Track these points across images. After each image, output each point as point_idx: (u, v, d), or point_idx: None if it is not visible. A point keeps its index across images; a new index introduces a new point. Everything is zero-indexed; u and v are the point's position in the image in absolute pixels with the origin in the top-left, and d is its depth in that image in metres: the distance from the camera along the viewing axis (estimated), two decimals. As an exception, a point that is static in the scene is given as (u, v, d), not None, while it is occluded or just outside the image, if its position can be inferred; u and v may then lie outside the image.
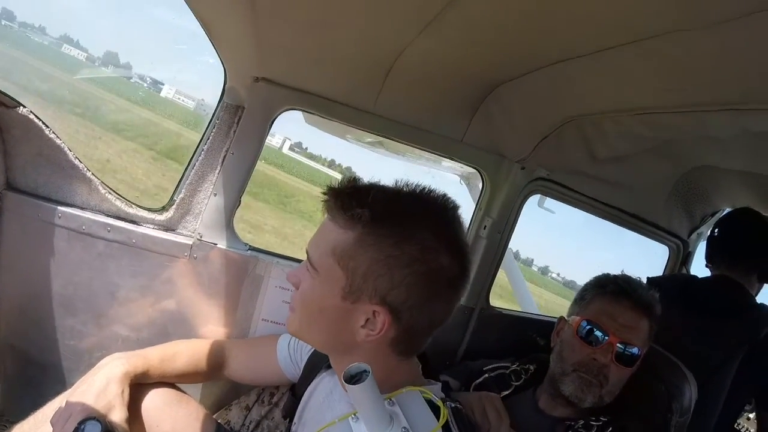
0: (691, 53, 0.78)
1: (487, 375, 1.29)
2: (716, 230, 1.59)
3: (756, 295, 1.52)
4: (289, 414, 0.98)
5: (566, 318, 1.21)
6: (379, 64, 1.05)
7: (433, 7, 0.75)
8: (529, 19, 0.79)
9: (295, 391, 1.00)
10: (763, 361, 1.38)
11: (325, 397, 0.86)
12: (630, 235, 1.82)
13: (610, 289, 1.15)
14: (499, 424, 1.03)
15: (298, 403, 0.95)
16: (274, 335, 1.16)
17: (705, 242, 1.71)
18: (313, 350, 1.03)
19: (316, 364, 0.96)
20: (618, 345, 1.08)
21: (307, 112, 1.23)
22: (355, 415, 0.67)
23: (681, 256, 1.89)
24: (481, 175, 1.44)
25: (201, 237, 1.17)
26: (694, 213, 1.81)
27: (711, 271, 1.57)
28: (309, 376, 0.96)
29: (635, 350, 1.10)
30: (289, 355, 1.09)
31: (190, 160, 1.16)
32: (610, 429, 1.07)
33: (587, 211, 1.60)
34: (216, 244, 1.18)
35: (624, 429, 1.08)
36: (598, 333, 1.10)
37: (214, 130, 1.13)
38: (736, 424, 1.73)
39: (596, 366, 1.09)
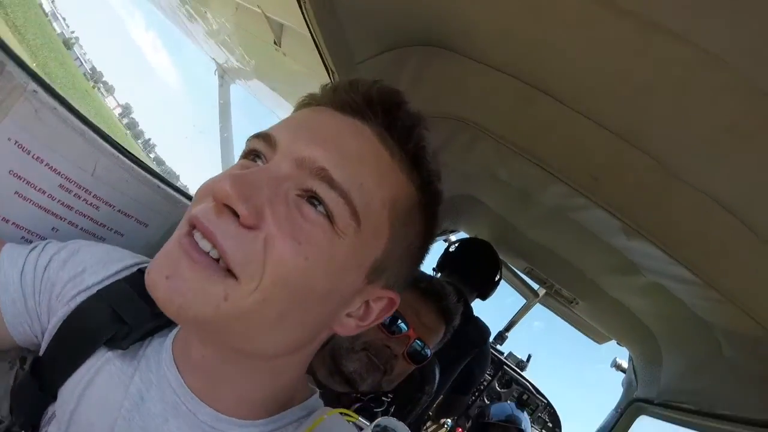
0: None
1: None
2: (453, 247, 1.89)
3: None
4: (31, 419, 0.51)
5: None
6: None
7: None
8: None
9: (44, 372, 0.51)
10: (479, 362, 1.76)
11: (133, 405, 0.47)
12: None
13: (422, 286, 1.13)
14: None
15: (49, 399, 0.51)
16: None
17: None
18: (88, 296, 0.52)
19: (91, 331, 0.50)
20: (416, 342, 1.06)
21: None
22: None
23: None
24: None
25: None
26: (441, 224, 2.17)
27: (441, 277, 1.83)
28: (74, 354, 0.50)
29: (428, 352, 1.09)
30: (24, 295, 0.52)
31: None
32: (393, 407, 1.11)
33: None
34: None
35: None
36: (401, 324, 1.05)
37: None
38: None
39: (387, 354, 1.05)
